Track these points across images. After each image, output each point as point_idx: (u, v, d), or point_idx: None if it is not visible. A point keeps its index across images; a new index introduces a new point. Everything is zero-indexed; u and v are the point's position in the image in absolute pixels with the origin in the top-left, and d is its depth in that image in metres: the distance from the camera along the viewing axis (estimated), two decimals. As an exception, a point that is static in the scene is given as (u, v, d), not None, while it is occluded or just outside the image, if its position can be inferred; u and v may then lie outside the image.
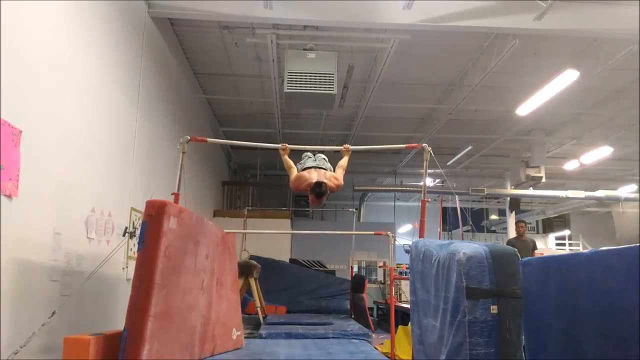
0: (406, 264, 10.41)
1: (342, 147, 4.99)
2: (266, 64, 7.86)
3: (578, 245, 18.16)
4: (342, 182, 4.70)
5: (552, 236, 19.52)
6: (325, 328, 6.70)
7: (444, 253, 3.59)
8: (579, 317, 2.57)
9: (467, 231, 16.70)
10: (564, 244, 18.71)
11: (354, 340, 5.98)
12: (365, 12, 6.18)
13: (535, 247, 8.55)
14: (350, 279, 9.66)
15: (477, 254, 3.32)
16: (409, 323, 4.88)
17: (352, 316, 8.80)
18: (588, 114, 10.25)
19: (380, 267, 13.88)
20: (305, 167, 4.77)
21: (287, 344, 5.54)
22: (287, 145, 4.85)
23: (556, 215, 18.70)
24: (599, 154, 11.65)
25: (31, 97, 3.53)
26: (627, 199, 13.98)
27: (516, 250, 3.49)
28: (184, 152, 4.56)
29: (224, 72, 8.67)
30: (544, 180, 12.18)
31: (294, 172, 4.70)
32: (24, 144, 3.36)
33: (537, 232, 20.13)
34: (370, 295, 11.02)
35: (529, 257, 3.40)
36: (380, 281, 13.52)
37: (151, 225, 3.38)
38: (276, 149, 4.98)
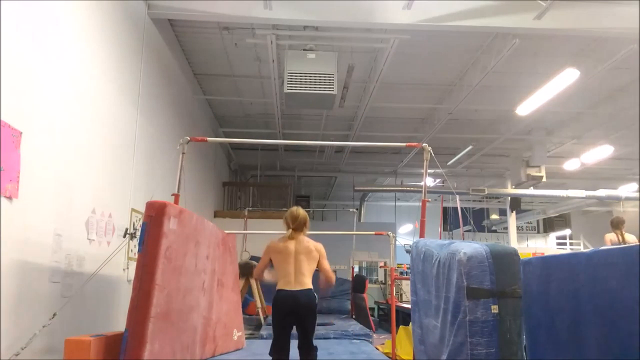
0: (407, 264, 10.41)
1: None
2: (266, 65, 7.86)
3: (579, 244, 18.15)
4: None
5: (552, 235, 19.53)
6: (326, 328, 6.70)
7: (445, 253, 3.59)
8: (579, 317, 2.57)
9: (468, 231, 16.74)
10: (564, 244, 18.72)
11: (355, 341, 5.98)
12: (365, 12, 6.18)
13: None
14: (351, 279, 9.67)
15: (477, 254, 3.31)
16: (410, 323, 4.88)
17: (353, 316, 8.80)
18: (588, 113, 10.24)
19: (381, 267, 13.89)
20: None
21: (288, 344, 5.53)
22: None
23: (557, 214, 18.69)
24: (600, 153, 11.62)
25: (31, 99, 3.54)
26: (627, 198, 13.96)
27: (516, 250, 3.49)
28: (183, 153, 4.57)
29: (224, 73, 8.67)
30: (544, 179, 12.17)
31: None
32: (24, 145, 3.37)
33: (538, 232, 20.13)
34: (371, 296, 11.03)
35: (529, 257, 3.39)
36: (381, 281, 13.53)
37: (151, 226, 3.38)
38: (276, 149, 4.97)
